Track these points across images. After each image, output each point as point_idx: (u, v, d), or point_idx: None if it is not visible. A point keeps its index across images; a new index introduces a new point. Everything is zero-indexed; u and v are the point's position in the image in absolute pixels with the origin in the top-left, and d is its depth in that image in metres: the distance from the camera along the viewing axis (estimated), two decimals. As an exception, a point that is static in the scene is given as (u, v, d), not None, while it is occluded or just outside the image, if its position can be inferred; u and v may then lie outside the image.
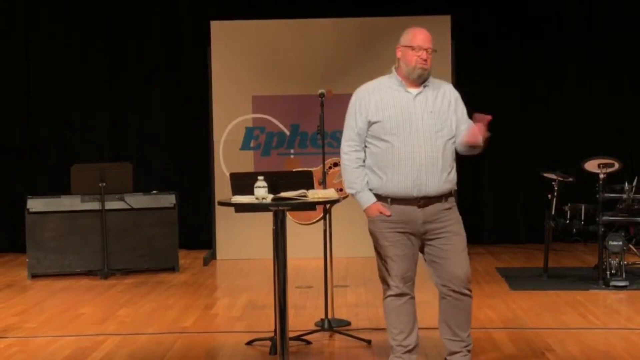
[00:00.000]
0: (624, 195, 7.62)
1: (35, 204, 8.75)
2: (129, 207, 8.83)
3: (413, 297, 4.85)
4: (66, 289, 8.17)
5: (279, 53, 9.77)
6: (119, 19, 10.49)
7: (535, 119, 10.44)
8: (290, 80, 9.75)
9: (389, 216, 4.74)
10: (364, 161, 4.81)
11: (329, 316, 6.23)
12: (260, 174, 5.08)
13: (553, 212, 8.00)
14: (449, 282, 4.81)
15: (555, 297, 7.27)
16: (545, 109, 10.47)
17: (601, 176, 7.54)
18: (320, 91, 6.32)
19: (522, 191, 10.47)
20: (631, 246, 8.10)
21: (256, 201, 5.00)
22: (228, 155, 9.80)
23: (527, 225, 10.39)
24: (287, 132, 9.81)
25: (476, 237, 9.89)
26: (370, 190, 4.79)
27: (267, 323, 6.36)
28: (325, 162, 6.33)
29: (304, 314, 6.76)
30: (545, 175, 8.20)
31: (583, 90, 10.42)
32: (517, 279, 8.08)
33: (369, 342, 5.84)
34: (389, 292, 4.83)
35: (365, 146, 4.80)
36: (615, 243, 7.51)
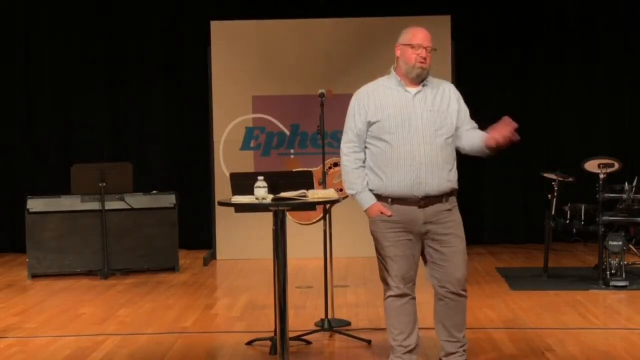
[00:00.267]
0: (624, 195, 7.62)
1: (35, 204, 8.75)
2: (129, 207, 8.83)
3: (414, 298, 4.85)
4: (66, 289, 8.17)
5: (279, 53, 9.77)
6: (119, 19, 10.50)
7: (535, 119, 10.43)
8: (290, 80, 9.75)
9: (390, 216, 4.73)
10: (363, 162, 4.81)
11: (329, 316, 6.23)
12: (260, 174, 5.08)
13: (553, 212, 8.00)
14: (448, 283, 4.81)
15: (555, 297, 7.27)
16: (545, 109, 10.47)
17: (601, 176, 7.54)
18: (320, 91, 6.32)
19: (522, 191, 10.47)
20: (631, 246, 8.11)
21: (256, 201, 5.00)
22: (228, 155, 9.80)
23: (527, 225, 10.39)
24: (287, 132, 9.81)
25: (476, 237, 9.90)
26: (371, 190, 4.79)
27: (267, 323, 6.36)
28: (325, 162, 6.33)
29: (304, 314, 6.76)
30: (545, 175, 8.20)
31: (583, 90, 10.42)
32: (517, 279, 8.08)
33: (369, 342, 5.84)
34: (390, 293, 4.83)
35: (366, 147, 4.80)
36: (615, 243, 7.51)
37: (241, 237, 9.68)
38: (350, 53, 9.71)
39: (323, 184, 6.18)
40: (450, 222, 4.79)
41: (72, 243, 8.75)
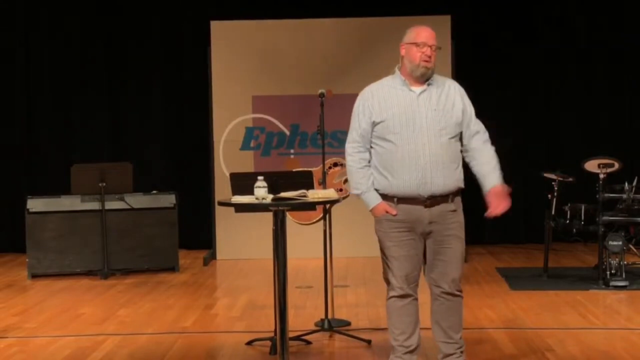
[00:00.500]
0: (624, 195, 7.62)
1: (35, 204, 8.75)
2: (129, 207, 8.83)
3: (416, 299, 4.84)
4: (66, 289, 8.17)
5: (279, 53, 9.77)
6: (119, 18, 10.49)
7: (535, 119, 10.44)
8: (290, 80, 9.75)
9: (395, 215, 4.73)
10: (368, 162, 4.79)
11: (329, 316, 6.23)
12: (260, 174, 5.08)
13: (553, 212, 8.00)
14: (443, 283, 4.81)
15: (555, 297, 7.27)
16: (545, 109, 10.47)
17: (601, 176, 7.54)
18: (320, 91, 6.32)
19: (522, 191, 10.46)
20: (631, 246, 8.11)
21: (256, 201, 5.00)
22: (228, 155, 9.80)
23: (527, 225, 10.39)
24: (287, 132, 9.81)
25: (476, 237, 9.89)
26: (376, 190, 4.77)
27: (267, 323, 6.36)
28: (325, 162, 6.32)
29: (304, 314, 6.76)
30: (545, 175, 8.20)
31: (583, 90, 10.42)
32: (517, 279, 8.08)
33: (369, 342, 5.84)
34: (392, 293, 4.82)
35: (371, 147, 4.79)
36: (615, 243, 7.51)
37: (241, 237, 9.67)
38: (350, 53, 9.71)
39: (323, 184, 6.18)
40: (454, 224, 4.79)
41: (72, 243, 8.75)
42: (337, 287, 7.45)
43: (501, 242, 10.40)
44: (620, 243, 7.51)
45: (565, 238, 9.32)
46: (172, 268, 8.93)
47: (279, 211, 5.05)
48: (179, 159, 10.56)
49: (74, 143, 10.51)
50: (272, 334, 5.64)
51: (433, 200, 4.71)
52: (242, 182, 5.16)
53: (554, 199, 7.98)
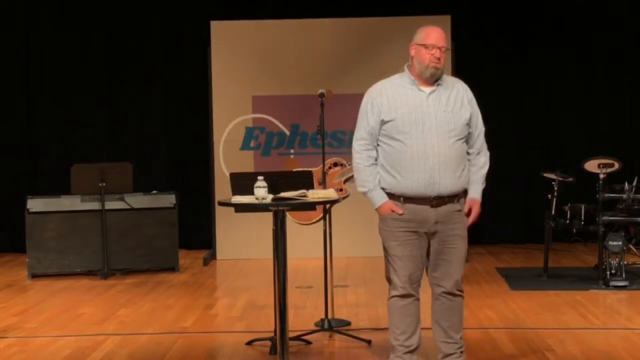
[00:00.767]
0: (624, 195, 7.62)
1: (35, 204, 8.75)
2: (129, 207, 8.83)
3: (418, 299, 4.84)
4: (66, 289, 8.17)
5: (279, 53, 9.77)
6: (119, 18, 10.49)
7: (535, 119, 10.44)
8: (290, 80, 9.75)
9: (402, 214, 4.72)
10: (375, 160, 4.78)
11: (329, 316, 6.23)
12: (260, 174, 5.08)
13: (553, 212, 8.00)
14: (446, 283, 4.81)
15: (555, 297, 7.27)
16: (545, 109, 10.47)
17: (601, 176, 7.54)
18: (320, 91, 6.32)
19: (522, 191, 10.48)
20: (631, 246, 8.11)
21: (256, 201, 5.00)
22: (228, 155, 9.80)
23: (527, 225, 10.39)
24: (287, 132, 9.81)
25: (476, 237, 9.88)
26: (383, 189, 4.76)
27: (267, 323, 6.36)
28: (325, 162, 6.32)
29: (304, 314, 6.76)
30: (545, 175, 8.20)
31: (583, 90, 10.42)
32: (517, 279, 8.08)
33: (369, 342, 5.84)
34: (394, 292, 4.81)
35: (378, 145, 4.78)
36: (615, 243, 7.51)
37: (241, 237, 9.67)
38: (350, 53, 9.71)
39: (323, 184, 6.18)
40: (459, 224, 4.79)
41: (72, 243, 8.75)
42: (337, 287, 7.45)
43: (501, 242, 10.40)
44: (620, 243, 7.51)
45: (565, 238, 9.32)
46: (172, 268, 8.93)
47: (279, 211, 5.05)
48: (179, 159, 10.56)
49: (74, 143, 10.51)
50: (272, 334, 5.65)
51: (440, 200, 4.70)
52: (242, 182, 5.16)
53: (554, 199, 7.98)
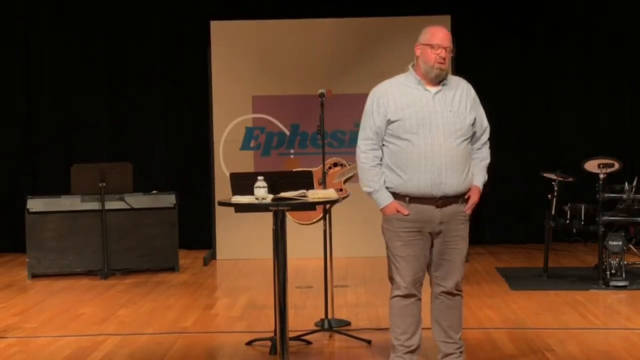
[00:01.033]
0: (624, 195, 7.62)
1: (35, 204, 8.75)
2: (129, 207, 8.83)
3: (420, 299, 4.84)
4: (66, 289, 8.17)
5: (279, 53, 9.77)
6: (119, 18, 10.49)
7: (535, 119, 10.44)
8: (290, 80, 9.75)
9: (407, 215, 4.72)
10: (380, 160, 4.77)
11: (329, 316, 6.23)
12: (260, 174, 5.08)
13: (553, 212, 8.00)
14: (447, 282, 4.82)
15: (555, 297, 7.27)
16: (545, 109, 10.47)
17: (601, 176, 7.54)
18: (320, 91, 6.32)
19: (522, 191, 10.48)
20: (631, 246, 8.11)
21: (256, 201, 5.00)
22: (228, 155, 9.80)
23: (527, 225, 10.39)
24: (287, 132, 9.81)
25: (476, 237, 9.88)
26: (388, 189, 4.75)
27: (267, 323, 6.36)
28: (325, 162, 6.32)
29: (304, 314, 6.76)
30: (545, 175, 8.20)
31: (583, 90, 10.42)
32: (517, 279, 8.08)
33: (369, 342, 5.84)
34: (397, 292, 4.81)
35: (383, 144, 4.77)
36: (615, 243, 7.51)
37: (241, 237, 9.67)
38: (350, 53, 9.71)
39: (323, 184, 6.18)
40: (463, 224, 4.79)
41: (72, 243, 8.75)
42: (337, 287, 7.45)
43: (501, 242, 10.40)
44: (620, 243, 7.51)
45: (565, 238, 9.32)
46: (172, 268, 8.93)
47: (279, 211, 5.05)
48: (179, 159, 10.56)
49: (74, 143, 10.51)
50: (272, 334, 5.64)
51: (445, 200, 4.70)
52: (242, 182, 5.16)
53: (554, 199, 7.98)
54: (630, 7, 10.24)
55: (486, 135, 4.88)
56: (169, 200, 8.93)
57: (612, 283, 7.51)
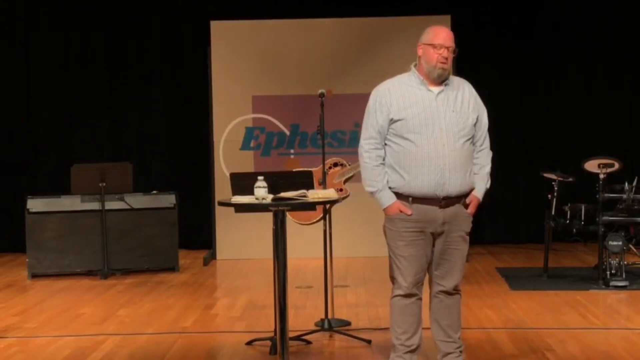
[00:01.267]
0: (624, 195, 7.62)
1: (35, 204, 8.75)
2: (129, 207, 8.83)
3: (420, 299, 4.84)
4: (66, 289, 8.17)
5: (279, 53, 9.77)
6: (119, 19, 10.49)
7: (535, 119, 10.44)
8: (290, 80, 9.75)
9: (410, 215, 4.72)
10: (383, 159, 4.77)
11: (329, 316, 6.23)
12: (260, 174, 5.08)
13: (553, 212, 8.00)
14: (446, 282, 4.83)
15: (555, 297, 7.27)
16: (545, 109, 10.47)
17: (601, 176, 7.54)
18: (320, 91, 6.32)
19: (522, 191, 10.48)
20: (631, 246, 8.11)
21: (256, 201, 5.00)
22: (228, 155, 9.80)
23: (527, 225, 10.39)
24: (287, 132, 9.81)
25: (476, 237, 9.88)
26: (391, 188, 4.74)
27: (267, 323, 6.35)
28: (325, 162, 6.32)
29: (304, 314, 6.76)
30: (545, 175, 8.20)
31: (583, 90, 10.42)
32: (517, 279, 8.08)
33: (369, 342, 5.84)
34: (398, 292, 4.81)
35: (386, 144, 4.76)
36: (615, 243, 7.51)
37: (241, 237, 9.67)
38: (350, 53, 9.71)
39: (323, 184, 6.18)
40: (465, 225, 4.80)
41: (72, 243, 8.75)
42: (337, 287, 7.45)
43: (501, 242, 10.40)
44: (620, 243, 7.50)
45: (565, 238, 9.32)
46: (172, 268, 8.93)
47: (279, 211, 5.05)
48: (179, 159, 10.56)
49: (74, 143, 10.51)
50: (272, 334, 5.64)
51: (448, 201, 4.70)
52: (242, 182, 5.16)
53: (554, 199, 7.98)
54: (630, 7, 10.24)
55: (486, 141, 4.87)
56: (169, 200, 8.93)
57: (612, 283, 7.51)
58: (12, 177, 10.48)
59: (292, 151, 9.82)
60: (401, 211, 4.71)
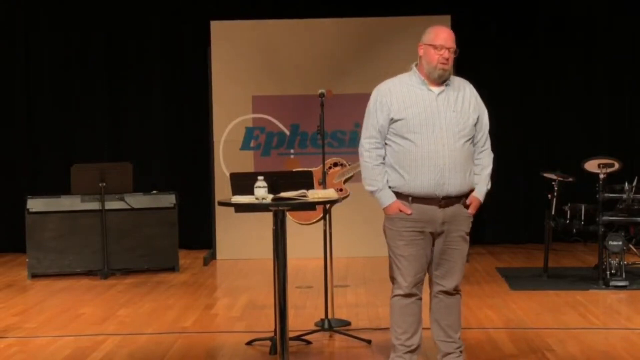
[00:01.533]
0: (624, 195, 7.62)
1: (35, 204, 8.75)
2: (129, 207, 8.83)
3: (420, 298, 4.84)
4: (66, 289, 8.17)
5: (279, 53, 9.77)
6: (119, 19, 10.49)
7: (535, 119, 10.44)
8: (290, 80, 9.75)
9: (410, 214, 4.72)
10: (383, 159, 4.77)
11: (329, 316, 6.23)
12: (260, 174, 5.08)
13: (553, 212, 8.00)
14: (446, 282, 4.83)
15: (555, 297, 7.27)
16: (545, 109, 10.47)
17: (601, 176, 7.54)
18: (320, 91, 6.32)
19: (522, 191, 10.47)
20: (631, 246, 8.11)
21: (256, 201, 5.00)
22: (228, 155, 9.80)
23: (527, 225, 10.39)
24: (287, 132, 9.81)
25: (476, 237, 9.87)
26: (391, 188, 4.75)
27: (267, 323, 6.35)
28: (325, 162, 6.32)
29: (304, 314, 6.76)
30: (545, 175, 8.20)
31: (583, 90, 10.42)
32: (517, 279, 8.08)
33: (369, 342, 5.84)
34: (398, 292, 4.81)
35: (386, 144, 4.76)
36: (615, 243, 7.51)
37: (241, 237, 9.67)
38: (350, 53, 9.71)
39: (323, 184, 6.18)
40: (464, 224, 4.80)
41: (72, 243, 8.75)
42: (337, 287, 7.45)
43: (501, 242, 10.40)
44: (620, 243, 7.50)
45: (565, 238, 9.32)
46: (172, 268, 8.93)
47: (279, 211, 5.05)
48: (179, 159, 10.56)
49: (74, 143, 10.51)
50: (272, 334, 5.64)
51: (448, 200, 4.70)
52: (242, 182, 5.16)
53: (554, 199, 7.98)
54: (630, 7, 10.23)
55: (488, 142, 4.87)
56: (169, 200, 8.93)
57: (612, 283, 7.51)
58: (12, 177, 10.49)
59: (292, 151, 9.82)
60: (401, 210, 4.72)
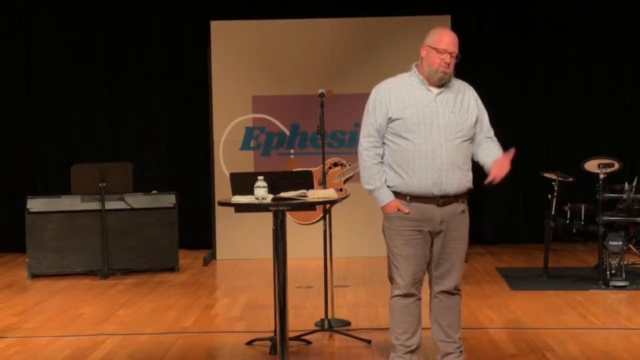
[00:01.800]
0: (624, 195, 7.62)
1: (35, 204, 8.75)
2: (129, 207, 8.83)
3: (420, 299, 4.84)
4: (66, 289, 8.17)
5: (279, 53, 9.77)
6: (119, 19, 10.49)
7: (535, 119, 10.44)
8: (290, 80, 9.75)
9: (408, 214, 4.72)
10: (382, 158, 4.78)
11: (329, 316, 6.23)
12: (260, 174, 5.08)
13: (553, 212, 8.00)
14: (446, 282, 4.83)
15: (555, 297, 7.27)
16: (545, 109, 10.47)
17: (601, 176, 7.54)
18: (320, 91, 6.31)
19: (522, 191, 10.47)
20: (631, 246, 8.10)
21: (256, 201, 5.00)
22: (228, 155, 9.80)
23: (527, 225, 10.39)
24: (287, 132, 9.81)
25: (476, 237, 9.88)
26: (389, 188, 4.75)
27: (267, 323, 6.36)
28: (325, 162, 6.32)
29: (304, 314, 6.76)
30: (545, 175, 8.20)
31: (583, 90, 10.42)
32: (517, 279, 8.08)
33: (369, 342, 5.84)
34: (397, 292, 4.81)
35: (384, 143, 4.77)
36: (615, 243, 7.51)
37: (241, 237, 9.67)
38: (350, 53, 9.71)
39: (323, 184, 6.18)
40: (462, 223, 4.81)
41: (72, 243, 8.75)
42: (337, 287, 7.45)
43: (501, 242, 10.40)
44: (620, 243, 7.50)
45: (565, 238, 9.32)
46: (172, 268, 8.93)
47: (279, 211, 5.05)
48: (179, 159, 10.56)
49: (74, 143, 10.51)
50: (272, 334, 5.65)
51: (446, 200, 4.71)
52: (242, 182, 5.16)
53: (554, 199, 7.98)
54: (630, 6, 10.24)
55: (491, 132, 4.91)
56: (169, 200, 8.93)
57: (612, 283, 7.51)
58: (12, 177, 10.49)
59: (292, 151, 9.82)
60: (399, 209, 4.72)
